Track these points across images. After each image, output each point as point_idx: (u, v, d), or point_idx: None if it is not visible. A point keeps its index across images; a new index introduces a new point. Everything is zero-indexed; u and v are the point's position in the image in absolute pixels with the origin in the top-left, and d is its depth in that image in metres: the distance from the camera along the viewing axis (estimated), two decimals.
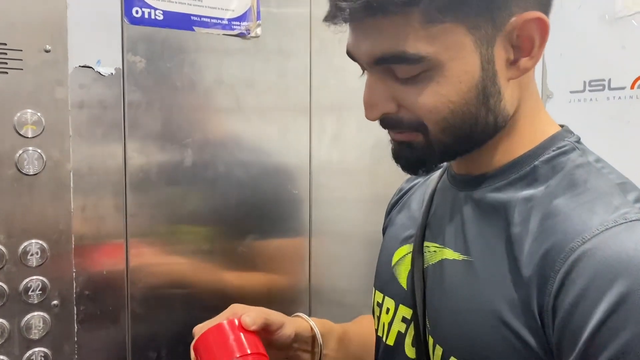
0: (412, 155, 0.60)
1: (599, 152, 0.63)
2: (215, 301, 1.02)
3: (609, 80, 1.27)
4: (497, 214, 0.59)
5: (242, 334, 0.63)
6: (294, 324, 0.72)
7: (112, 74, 0.88)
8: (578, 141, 0.61)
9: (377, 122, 0.60)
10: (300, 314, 0.76)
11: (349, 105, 1.15)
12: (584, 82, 1.32)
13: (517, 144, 0.60)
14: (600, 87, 1.29)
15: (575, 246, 0.50)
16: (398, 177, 0.89)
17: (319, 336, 0.74)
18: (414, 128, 0.57)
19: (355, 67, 0.60)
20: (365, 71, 0.59)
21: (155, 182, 0.95)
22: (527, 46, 0.56)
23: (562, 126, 0.63)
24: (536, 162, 0.59)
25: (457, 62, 0.54)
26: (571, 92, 1.34)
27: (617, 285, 0.46)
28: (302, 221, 1.15)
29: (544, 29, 0.55)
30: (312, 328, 0.74)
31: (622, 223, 0.49)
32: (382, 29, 0.53)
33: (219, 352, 0.61)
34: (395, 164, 0.62)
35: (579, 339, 0.48)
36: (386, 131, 0.61)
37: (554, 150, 0.59)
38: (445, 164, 0.72)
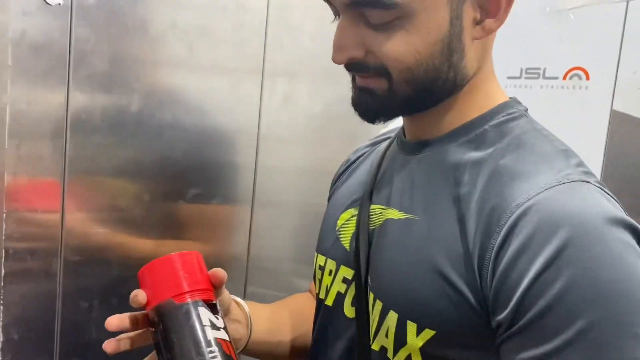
0: (372, 103, 0.61)
1: None
2: (150, 258, 0.99)
3: (544, 70, 1.35)
4: (444, 175, 0.61)
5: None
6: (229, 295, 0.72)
7: (59, 4, 0.82)
8: (526, 110, 0.64)
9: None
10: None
11: (302, 68, 1.14)
12: (521, 69, 1.39)
13: (469, 109, 0.62)
14: (536, 76, 1.36)
15: (521, 202, 0.52)
16: (345, 147, 0.90)
17: (247, 310, 0.74)
18: (379, 74, 0.58)
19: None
20: (338, 16, 0.59)
21: (98, 125, 0.90)
22: (493, 7, 0.57)
23: (511, 98, 0.65)
24: (486, 126, 0.61)
25: (428, 13, 0.55)
26: (508, 77, 1.41)
27: (556, 238, 0.48)
28: (245, 188, 1.13)
29: None
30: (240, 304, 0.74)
31: (565, 182, 0.52)
32: None
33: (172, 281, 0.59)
34: (354, 111, 0.62)
35: (515, 293, 0.49)
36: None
37: (503, 116, 0.61)
38: (391, 132, 0.74)
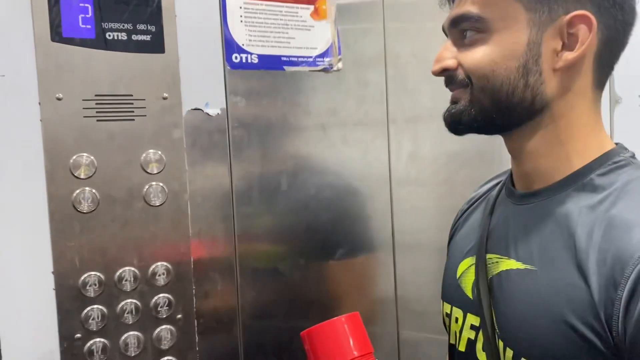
0: (456, 112, 0.69)
1: None
2: (314, 312, 1.12)
3: None
4: (557, 225, 0.63)
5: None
6: None
7: (218, 113, 1.01)
8: (633, 156, 0.66)
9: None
10: None
11: (424, 122, 1.23)
12: None
13: (573, 156, 0.66)
14: None
15: None
16: (471, 188, 0.97)
17: None
18: (464, 85, 0.67)
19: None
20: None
21: (257, 204, 1.07)
22: (572, 41, 0.63)
23: (617, 144, 0.68)
24: (592, 175, 0.64)
25: (508, 32, 0.64)
26: None
27: None
28: (384, 234, 1.23)
29: (588, 25, 0.62)
30: None
31: None
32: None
33: (335, 346, 0.67)
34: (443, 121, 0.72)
35: None
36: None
37: (609, 165, 0.64)
38: (500, 176, 0.80)
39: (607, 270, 0.57)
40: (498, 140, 0.73)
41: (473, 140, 1.26)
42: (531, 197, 0.70)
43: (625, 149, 0.68)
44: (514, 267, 0.67)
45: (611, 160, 0.65)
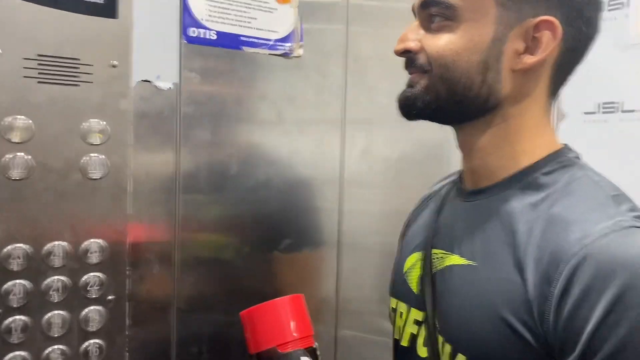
0: (411, 95, 0.68)
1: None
2: (254, 304, 1.09)
3: (622, 103, 1.35)
4: (500, 222, 0.64)
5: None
6: None
7: (170, 88, 0.96)
8: (577, 157, 0.68)
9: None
10: None
11: (379, 121, 1.22)
12: (597, 104, 1.39)
13: (520, 155, 0.67)
14: (613, 110, 1.37)
15: (576, 251, 0.55)
16: (421, 190, 0.97)
17: None
18: (423, 70, 0.66)
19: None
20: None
21: (204, 188, 1.02)
22: (534, 45, 0.63)
23: (564, 145, 0.69)
24: (537, 174, 0.65)
25: (476, 25, 0.63)
26: (585, 113, 1.42)
27: (613, 286, 0.51)
28: (330, 232, 1.21)
29: (553, 32, 0.63)
30: None
31: (617, 230, 0.55)
32: None
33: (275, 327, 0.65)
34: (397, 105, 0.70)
35: (580, 338, 0.52)
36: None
37: (554, 165, 0.65)
38: (452, 175, 0.79)
39: (543, 266, 0.57)
40: (449, 143, 0.73)
41: (425, 141, 1.28)
42: (478, 194, 0.70)
43: (571, 149, 0.69)
44: (457, 263, 0.68)
45: (556, 160, 0.66)
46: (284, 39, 1.06)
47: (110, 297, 0.93)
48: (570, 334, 0.54)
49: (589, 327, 0.52)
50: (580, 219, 0.58)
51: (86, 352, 0.91)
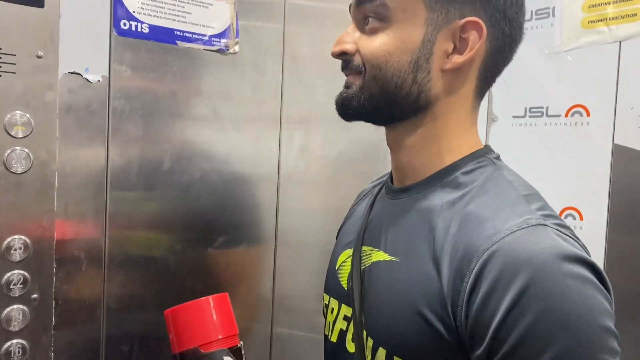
0: (346, 96, 0.70)
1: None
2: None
3: (547, 108, 1.42)
4: (421, 219, 0.67)
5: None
6: None
7: (99, 81, 0.94)
8: (497, 158, 0.71)
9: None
10: None
11: (316, 119, 1.23)
12: (525, 109, 1.46)
13: (445, 153, 0.69)
14: (539, 114, 1.43)
15: (486, 247, 0.57)
16: (357, 188, 0.98)
17: None
18: (358, 72, 0.68)
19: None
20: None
21: (135, 184, 1.00)
22: (462, 46, 0.66)
23: (485, 146, 0.72)
24: (457, 173, 0.68)
25: (406, 26, 0.65)
26: (514, 116, 1.48)
27: (517, 280, 0.53)
28: (267, 229, 1.21)
29: (479, 33, 0.65)
30: None
31: (524, 227, 0.58)
32: None
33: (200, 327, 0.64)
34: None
35: (488, 330, 0.55)
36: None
37: (474, 164, 0.68)
38: (386, 175, 0.82)
39: (456, 262, 0.59)
40: (385, 142, 0.74)
41: (362, 140, 1.30)
42: (403, 192, 0.72)
43: (492, 150, 0.72)
44: (382, 259, 0.70)
45: (476, 160, 0.69)
46: (220, 35, 1.06)
47: (34, 296, 0.90)
48: (479, 327, 0.56)
49: (496, 320, 0.54)
50: (492, 216, 0.60)
51: (8, 352, 0.87)
